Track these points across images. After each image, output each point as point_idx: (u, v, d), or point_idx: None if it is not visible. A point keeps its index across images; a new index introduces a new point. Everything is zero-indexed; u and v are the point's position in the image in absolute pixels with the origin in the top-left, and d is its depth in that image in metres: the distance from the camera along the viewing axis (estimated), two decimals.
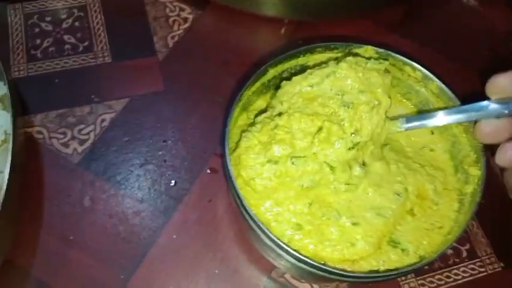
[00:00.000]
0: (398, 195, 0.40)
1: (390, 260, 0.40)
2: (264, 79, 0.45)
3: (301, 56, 0.46)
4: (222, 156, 0.41)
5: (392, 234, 0.40)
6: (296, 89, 0.42)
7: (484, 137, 0.38)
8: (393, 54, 0.45)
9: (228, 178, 0.39)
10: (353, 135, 0.39)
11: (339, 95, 0.40)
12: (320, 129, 0.39)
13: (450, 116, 0.40)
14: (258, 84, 0.44)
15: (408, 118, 0.42)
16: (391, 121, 0.42)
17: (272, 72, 0.45)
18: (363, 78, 0.41)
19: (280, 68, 0.45)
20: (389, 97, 0.41)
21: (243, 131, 0.43)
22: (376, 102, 0.40)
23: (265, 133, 0.40)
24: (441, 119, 0.40)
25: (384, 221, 0.39)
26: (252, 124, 0.43)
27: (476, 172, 0.42)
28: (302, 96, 0.41)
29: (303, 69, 0.47)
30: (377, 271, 0.39)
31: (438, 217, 0.42)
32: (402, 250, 0.40)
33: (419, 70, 0.44)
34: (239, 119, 0.45)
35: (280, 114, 0.41)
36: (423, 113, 0.45)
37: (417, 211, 0.42)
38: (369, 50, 0.45)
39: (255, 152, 0.40)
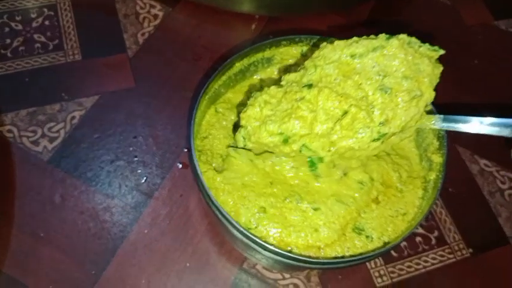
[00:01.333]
0: (362, 184, 0.41)
1: (355, 246, 0.41)
2: (231, 72, 0.45)
3: (267, 49, 0.46)
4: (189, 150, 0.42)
5: (356, 221, 0.41)
6: (336, 55, 0.37)
7: None
8: None
9: (194, 171, 0.39)
10: (381, 125, 0.35)
11: (380, 75, 0.35)
12: (345, 113, 0.35)
13: (492, 127, 0.36)
14: (224, 77, 0.45)
15: (447, 117, 0.38)
16: (427, 115, 0.38)
17: (238, 66, 0.46)
18: (412, 63, 0.35)
19: (246, 62, 0.46)
20: (435, 90, 0.36)
21: (251, 87, 0.41)
22: (418, 93, 0.35)
23: (289, 101, 0.37)
24: (481, 127, 0.37)
25: (345, 208, 0.40)
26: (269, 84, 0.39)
27: (438, 159, 0.43)
28: (339, 68, 0.37)
29: (269, 63, 0.48)
30: (342, 257, 0.40)
31: (403, 204, 0.43)
32: (367, 237, 0.41)
33: None
34: (207, 113, 0.45)
35: (310, 86, 0.37)
36: (461, 115, 0.40)
37: (381, 199, 0.43)
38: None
39: (264, 114, 0.37)
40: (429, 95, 0.36)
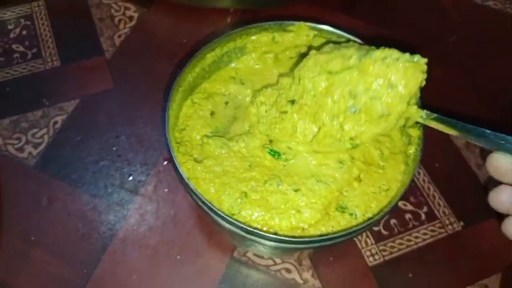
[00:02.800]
0: (341, 163, 0.41)
1: (340, 225, 0.40)
2: (204, 64, 0.46)
3: (238, 38, 0.47)
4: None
5: (338, 200, 0.41)
6: (316, 69, 0.39)
7: (492, 169, 0.35)
8: (326, 27, 0.46)
9: (172, 162, 0.39)
10: (351, 139, 0.39)
11: (351, 95, 0.37)
12: (320, 128, 0.39)
13: (468, 135, 0.36)
14: (197, 69, 0.45)
15: (437, 117, 0.37)
16: (416, 109, 0.38)
17: (210, 57, 0.46)
18: (383, 84, 0.36)
19: (219, 52, 0.46)
20: (410, 103, 0.37)
21: (266, 86, 0.44)
22: (386, 112, 0.37)
23: (277, 110, 0.41)
24: (462, 133, 0.36)
25: (326, 187, 0.40)
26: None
27: (416, 133, 0.43)
28: (318, 84, 0.39)
29: (242, 52, 0.48)
30: (327, 234, 0.40)
31: (385, 180, 0.43)
32: (350, 214, 0.41)
33: (354, 41, 0.45)
34: (183, 105, 0.46)
35: (293, 102, 0.40)
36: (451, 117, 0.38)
37: (363, 176, 0.43)
38: (302, 27, 0.46)
39: (260, 113, 0.42)
40: (401, 109, 0.37)
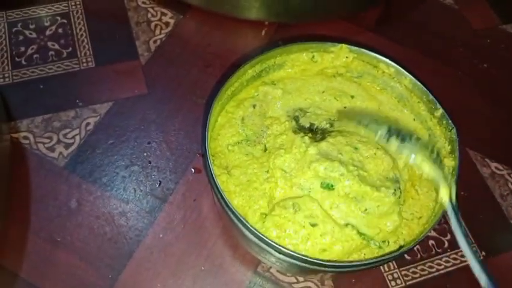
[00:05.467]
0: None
1: (372, 252, 0.41)
2: (243, 78, 0.46)
3: (279, 56, 0.47)
4: (204, 156, 0.43)
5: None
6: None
7: None
8: (366, 51, 0.46)
9: (210, 176, 0.40)
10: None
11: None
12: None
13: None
14: (236, 84, 0.46)
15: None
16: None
17: (251, 72, 0.46)
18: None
19: (258, 68, 0.47)
20: None
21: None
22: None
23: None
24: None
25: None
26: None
27: (450, 163, 0.43)
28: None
29: (280, 68, 0.49)
30: (357, 260, 0.40)
31: (419, 207, 0.43)
32: (383, 241, 0.41)
33: (392, 66, 0.46)
34: (219, 116, 0.46)
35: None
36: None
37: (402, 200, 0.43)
38: (343, 49, 0.46)
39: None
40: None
